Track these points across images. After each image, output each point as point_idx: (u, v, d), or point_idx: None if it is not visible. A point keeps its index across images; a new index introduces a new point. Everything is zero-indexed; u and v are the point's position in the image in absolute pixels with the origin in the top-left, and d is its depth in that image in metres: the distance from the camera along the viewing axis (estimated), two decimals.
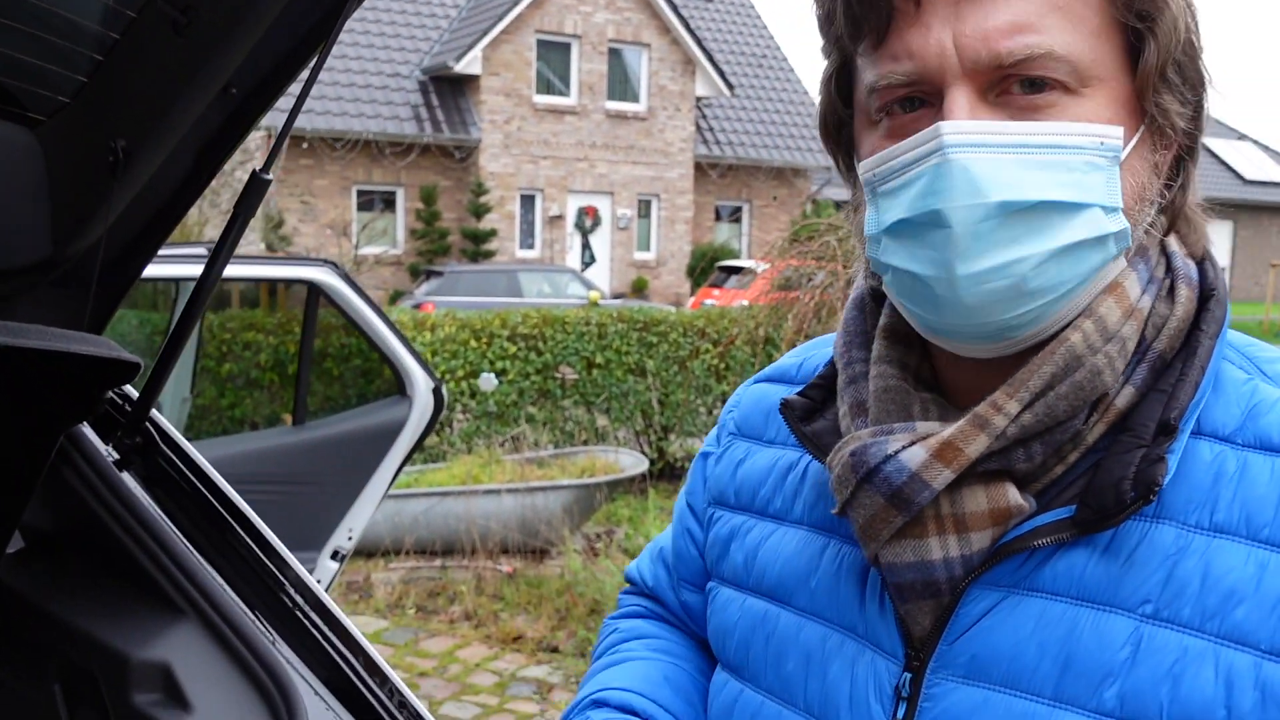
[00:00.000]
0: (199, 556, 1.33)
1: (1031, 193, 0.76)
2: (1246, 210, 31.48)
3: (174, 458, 1.40)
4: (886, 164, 0.81)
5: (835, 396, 0.94)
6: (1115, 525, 0.78)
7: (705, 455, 1.10)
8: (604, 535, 6.54)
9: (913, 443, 0.81)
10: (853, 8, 0.81)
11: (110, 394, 1.42)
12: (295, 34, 1.19)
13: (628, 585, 1.23)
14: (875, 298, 0.95)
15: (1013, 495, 0.81)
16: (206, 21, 1.10)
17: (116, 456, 1.38)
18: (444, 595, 5.58)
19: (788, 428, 0.96)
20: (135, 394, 1.43)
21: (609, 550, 6.04)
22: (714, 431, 1.11)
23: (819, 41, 0.90)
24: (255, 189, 1.23)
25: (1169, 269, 0.86)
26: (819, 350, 1.05)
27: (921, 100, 0.80)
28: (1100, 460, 0.80)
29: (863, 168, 0.84)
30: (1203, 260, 0.88)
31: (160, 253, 1.39)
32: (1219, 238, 31.60)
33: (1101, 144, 0.78)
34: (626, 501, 7.12)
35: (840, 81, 0.88)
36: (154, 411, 1.40)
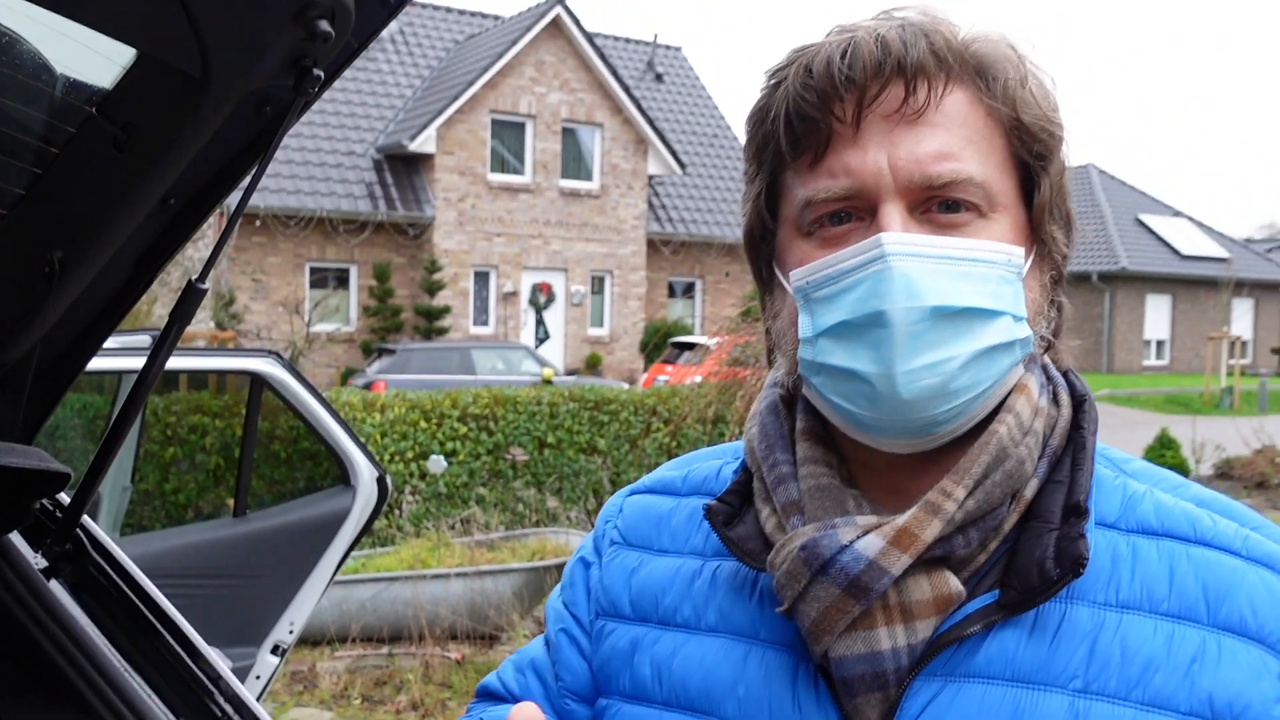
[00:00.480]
0: (126, 665, 1.31)
1: (960, 299, 0.84)
2: (1184, 285, 32.39)
3: (103, 563, 1.39)
4: (823, 271, 0.87)
5: (749, 502, 0.97)
6: (1041, 603, 0.84)
7: (586, 564, 1.07)
8: None
9: (866, 532, 0.85)
10: (794, 129, 0.89)
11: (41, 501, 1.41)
12: (234, 147, 1.22)
13: (476, 699, 1.13)
14: (786, 404, 1.00)
15: (953, 582, 0.85)
16: (146, 137, 1.12)
17: (45, 564, 1.37)
18: (391, 684, 5.46)
19: (710, 534, 0.99)
20: (66, 499, 1.41)
21: None
22: (590, 540, 1.10)
23: (744, 166, 0.97)
24: (191, 298, 1.24)
25: (1049, 378, 0.96)
26: (701, 463, 1.09)
27: (848, 215, 0.88)
28: (1013, 546, 0.87)
29: (797, 275, 0.90)
30: (1067, 373, 0.98)
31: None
32: (1158, 311, 32.40)
33: (1009, 260, 0.87)
34: None
35: (769, 197, 0.95)
36: (84, 517, 1.39)
